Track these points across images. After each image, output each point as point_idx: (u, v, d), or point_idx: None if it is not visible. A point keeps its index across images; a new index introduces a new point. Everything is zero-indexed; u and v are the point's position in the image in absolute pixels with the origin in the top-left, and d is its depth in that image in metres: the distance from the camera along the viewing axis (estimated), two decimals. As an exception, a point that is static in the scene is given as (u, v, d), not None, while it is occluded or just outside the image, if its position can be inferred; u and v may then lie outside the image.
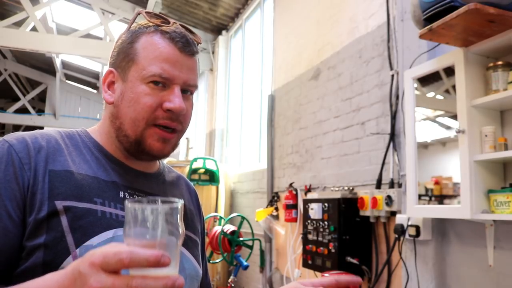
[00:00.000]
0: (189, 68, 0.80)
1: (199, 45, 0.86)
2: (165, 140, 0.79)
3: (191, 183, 1.03)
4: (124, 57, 0.80)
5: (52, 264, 0.67)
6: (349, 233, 2.60)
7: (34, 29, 6.08)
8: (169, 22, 0.81)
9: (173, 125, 0.79)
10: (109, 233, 0.72)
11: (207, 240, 4.09)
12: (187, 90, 0.82)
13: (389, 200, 2.39)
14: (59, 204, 0.70)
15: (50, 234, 0.68)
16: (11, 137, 0.75)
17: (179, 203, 0.55)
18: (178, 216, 0.55)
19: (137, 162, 0.85)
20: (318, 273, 2.68)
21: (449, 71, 1.94)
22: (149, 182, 0.86)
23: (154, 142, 0.79)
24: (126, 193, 0.79)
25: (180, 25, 0.83)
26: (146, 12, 0.82)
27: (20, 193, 0.70)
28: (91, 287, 0.50)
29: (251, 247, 4.14)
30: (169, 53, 0.78)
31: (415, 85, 2.13)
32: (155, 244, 0.53)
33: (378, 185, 2.58)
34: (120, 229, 0.73)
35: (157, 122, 0.78)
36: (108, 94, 0.82)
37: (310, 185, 3.40)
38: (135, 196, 0.81)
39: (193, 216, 0.94)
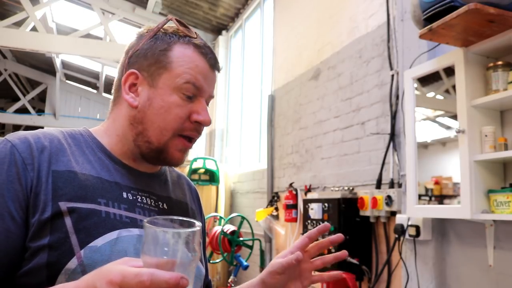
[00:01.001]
0: (214, 84, 0.85)
1: None
2: (185, 150, 0.82)
3: (191, 181, 1.03)
4: (155, 62, 0.80)
5: (56, 265, 0.67)
6: (349, 233, 2.60)
7: (34, 29, 6.08)
8: (193, 33, 0.84)
9: (197, 137, 0.83)
10: (113, 234, 0.72)
11: (207, 240, 4.09)
12: (207, 101, 0.85)
13: (389, 200, 2.39)
14: (63, 205, 0.70)
15: (54, 235, 0.68)
16: (13, 136, 0.75)
17: (199, 227, 0.56)
18: (196, 238, 0.56)
19: (141, 164, 0.85)
20: (318, 273, 2.68)
21: (449, 71, 1.94)
22: (152, 183, 0.86)
23: (176, 151, 0.81)
24: (129, 194, 0.79)
25: (195, 33, 0.85)
26: (176, 20, 0.83)
27: (23, 194, 0.70)
28: None
29: (251, 247, 4.14)
30: (202, 67, 0.81)
31: (415, 85, 2.13)
32: (174, 265, 0.53)
33: (378, 185, 2.58)
34: (124, 229, 0.74)
35: (184, 133, 0.80)
36: (131, 97, 0.81)
37: (310, 185, 3.40)
38: (138, 196, 0.81)
39: (195, 215, 0.94)
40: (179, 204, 0.90)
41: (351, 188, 2.83)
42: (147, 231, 0.54)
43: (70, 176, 0.74)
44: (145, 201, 0.81)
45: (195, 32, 0.85)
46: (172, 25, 0.84)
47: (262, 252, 4.27)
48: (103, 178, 0.78)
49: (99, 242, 0.70)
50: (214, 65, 0.83)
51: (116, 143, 0.83)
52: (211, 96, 0.85)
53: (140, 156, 0.83)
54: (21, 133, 0.77)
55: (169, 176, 0.93)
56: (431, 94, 2.32)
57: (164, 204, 0.85)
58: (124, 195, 0.79)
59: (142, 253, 0.54)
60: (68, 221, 0.69)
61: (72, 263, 0.67)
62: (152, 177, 0.87)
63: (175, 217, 0.59)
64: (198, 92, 0.80)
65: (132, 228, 0.75)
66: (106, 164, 0.80)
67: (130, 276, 0.51)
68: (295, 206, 3.48)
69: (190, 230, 0.55)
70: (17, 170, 0.70)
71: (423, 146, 2.13)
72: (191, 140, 0.82)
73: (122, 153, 0.83)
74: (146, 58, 0.81)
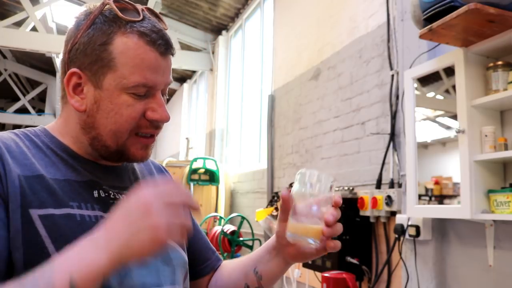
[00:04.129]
0: (168, 69, 0.75)
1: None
2: (147, 146, 0.77)
3: (157, 162, 0.98)
4: (96, 60, 0.71)
5: None
6: (349, 233, 2.60)
7: (34, 29, 6.08)
8: (138, 12, 0.73)
9: (156, 132, 0.77)
10: None
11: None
12: (164, 90, 0.77)
13: (389, 200, 2.39)
14: (34, 213, 0.64)
15: (28, 247, 0.63)
16: None
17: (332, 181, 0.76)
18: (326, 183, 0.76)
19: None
20: (318, 273, 2.68)
21: (449, 71, 1.94)
22: (121, 177, 0.82)
23: (137, 150, 0.76)
24: (100, 191, 0.75)
25: (146, 8, 0.75)
26: (116, 1, 0.72)
27: (3, 198, 0.64)
28: (157, 212, 0.57)
29: (251, 247, 4.14)
30: (151, 60, 0.71)
31: (415, 85, 2.13)
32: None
33: (378, 185, 2.58)
34: None
35: (141, 131, 0.74)
36: (76, 100, 0.73)
37: (310, 185, 3.40)
38: (110, 193, 0.76)
39: None
40: None
41: (351, 188, 2.83)
42: (300, 176, 0.78)
43: (37, 180, 0.67)
44: (117, 197, 0.77)
45: (143, 9, 0.74)
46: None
47: (262, 252, 4.27)
48: (71, 180, 0.72)
49: None
50: (165, 51, 0.73)
51: (74, 143, 0.77)
52: (168, 83, 0.76)
53: (101, 158, 0.78)
54: None
55: (135, 164, 0.89)
56: (431, 94, 2.32)
57: None
58: (95, 194, 0.74)
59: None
60: (42, 230, 0.64)
61: None
62: (120, 170, 0.82)
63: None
64: (150, 89, 0.72)
65: None
66: (71, 164, 0.74)
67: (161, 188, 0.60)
68: (295, 206, 3.48)
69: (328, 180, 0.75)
70: None
71: (423, 146, 2.13)
72: (151, 135, 0.77)
73: (83, 152, 0.77)
74: (86, 55, 0.72)
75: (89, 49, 0.71)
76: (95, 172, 0.77)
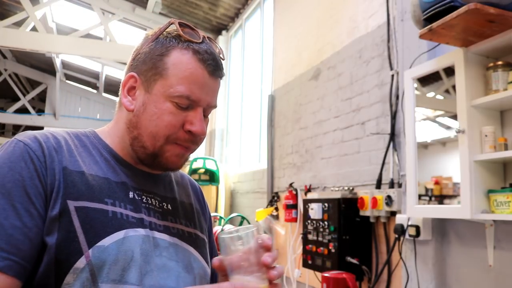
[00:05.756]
0: (214, 91, 0.81)
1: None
2: (183, 156, 0.82)
3: (194, 180, 1.04)
4: (151, 67, 0.79)
5: (64, 264, 0.68)
6: (349, 233, 2.60)
7: (34, 29, 6.08)
8: (199, 36, 0.80)
9: (192, 147, 0.81)
10: (120, 234, 0.73)
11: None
12: (207, 111, 0.83)
13: (389, 200, 2.39)
14: (71, 204, 0.71)
15: (62, 234, 0.69)
16: (23, 136, 0.75)
17: (253, 229, 0.72)
18: (250, 238, 0.73)
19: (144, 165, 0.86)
20: (318, 273, 2.68)
21: (449, 71, 1.94)
22: (157, 184, 0.87)
23: (172, 156, 0.80)
24: (135, 194, 0.80)
25: (208, 37, 0.83)
26: (179, 23, 0.80)
27: (44, 190, 0.71)
28: None
29: (251, 247, 4.14)
30: (199, 76, 0.78)
31: (415, 85, 2.13)
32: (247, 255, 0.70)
33: (378, 185, 2.58)
34: (131, 229, 0.74)
35: (178, 142, 0.79)
36: (128, 100, 0.81)
37: (310, 185, 3.40)
38: (143, 197, 0.82)
39: (199, 215, 0.95)
40: (183, 205, 0.91)
41: (351, 188, 2.83)
42: (221, 242, 0.70)
43: (78, 175, 0.75)
44: (150, 202, 0.82)
45: (205, 36, 0.82)
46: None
47: (262, 252, 4.27)
48: (110, 179, 0.78)
49: (106, 241, 0.71)
50: (214, 72, 0.80)
51: (118, 144, 0.84)
52: (212, 106, 0.82)
53: (138, 160, 0.83)
54: (29, 133, 0.77)
55: (173, 176, 0.94)
56: (431, 94, 2.32)
57: (169, 205, 0.86)
58: (130, 195, 0.79)
59: (224, 258, 0.71)
60: (75, 220, 0.70)
61: (81, 263, 0.68)
62: (157, 178, 0.88)
63: (238, 227, 0.73)
64: (193, 103, 0.78)
65: (138, 228, 0.76)
66: (112, 165, 0.81)
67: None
68: (295, 206, 3.48)
69: (244, 232, 0.71)
70: (35, 167, 0.71)
71: (423, 146, 2.13)
72: (188, 148, 0.81)
73: (125, 154, 0.84)
74: (145, 63, 0.80)
75: (148, 58, 0.80)
76: (133, 176, 0.83)
